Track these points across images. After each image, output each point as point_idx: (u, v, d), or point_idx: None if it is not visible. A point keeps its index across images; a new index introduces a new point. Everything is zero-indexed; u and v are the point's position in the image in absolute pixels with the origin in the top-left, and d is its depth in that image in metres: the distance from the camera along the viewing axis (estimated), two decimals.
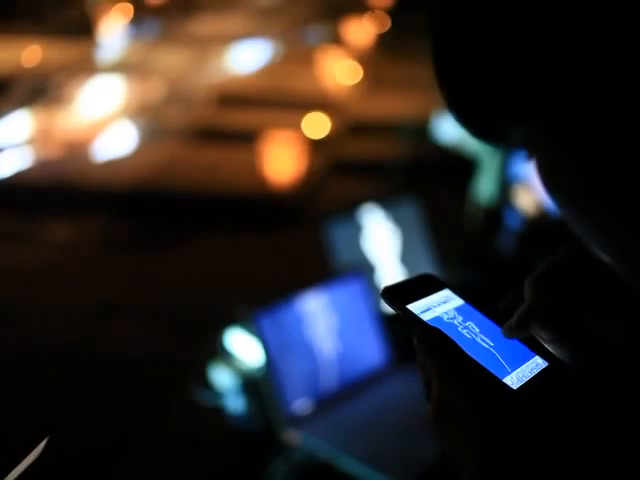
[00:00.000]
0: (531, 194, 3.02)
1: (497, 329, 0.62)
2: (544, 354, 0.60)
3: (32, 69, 8.27)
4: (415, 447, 1.85)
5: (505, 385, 0.56)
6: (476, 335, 0.61)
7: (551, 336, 0.58)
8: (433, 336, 0.58)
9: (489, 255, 3.06)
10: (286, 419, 1.90)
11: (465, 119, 0.54)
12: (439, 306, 0.63)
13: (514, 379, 0.57)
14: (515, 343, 0.61)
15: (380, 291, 0.62)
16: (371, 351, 2.11)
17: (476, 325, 0.62)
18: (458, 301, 0.64)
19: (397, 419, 1.95)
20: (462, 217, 3.66)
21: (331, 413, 1.96)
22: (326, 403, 1.98)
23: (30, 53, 8.72)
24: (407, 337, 2.06)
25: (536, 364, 0.59)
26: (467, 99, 0.52)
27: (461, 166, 3.89)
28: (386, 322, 2.15)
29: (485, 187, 3.38)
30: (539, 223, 2.97)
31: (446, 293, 0.64)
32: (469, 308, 0.64)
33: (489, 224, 3.22)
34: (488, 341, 0.60)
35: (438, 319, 0.61)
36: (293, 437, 1.89)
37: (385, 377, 2.09)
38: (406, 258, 2.46)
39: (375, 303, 2.18)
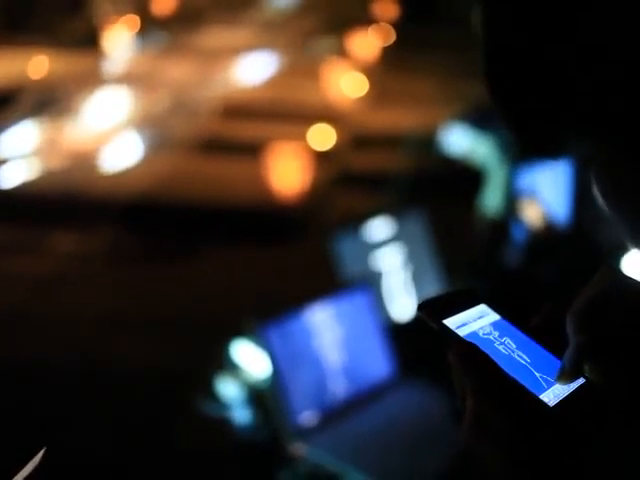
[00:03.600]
0: (538, 207, 3.02)
1: (534, 345, 0.61)
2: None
3: (39, 80, 8.30)
4: (421, 460, 1.85)
5: (541, 402, 0.56)
6: (512, 351, 0.60)
7: (604, 373, 0.57)
8: (469, 352, 0.57)
9: (495, 268, 3.06)
10: (292, 431, 1.90)
11: (525, 133, 0.55)
12: (475, 321, 0.62)
13: (551, 396, 0.57)
14: (552, 360, 0.60)
15: (417, 305, 0.62)
16: (377, 364, 2.11)
17: (513, 341, 0.61)
18: (494, 316, 0.63)
19: (403, 432, 1.95)
20: (468, 229, 3.66)
21: (337, 425, 1.95)
22: (332, 415, 1.97)
23: (37, 64, 8.75)
24: (413, 349, 2.06)
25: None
26: (530, 114, 0.53)
27: (467, 178, 3.89)
28: (392, 334, 2.15)
29: (492, 199, 3.38)
30: (545, 236, 2.97)
31: (482, 308, 0.64)
32: (506, 324, 0.63)
33: (495, 237, 3.22)
34: (525, 357, 0.60)
35: (474, 334, 0.61)
36: (299, 449, 1.88)
37: (391, 390, 2.09)
38: (412, 271, 2.46)
39: (381, 315, 2.18)
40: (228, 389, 2.07)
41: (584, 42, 0.47)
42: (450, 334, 0.60)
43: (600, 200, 0.53)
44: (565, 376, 0.58)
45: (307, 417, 1.94)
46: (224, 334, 2.15)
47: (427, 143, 4.91)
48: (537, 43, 0.50)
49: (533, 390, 0.56)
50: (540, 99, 0.50)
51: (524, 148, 0.56)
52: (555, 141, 0.53)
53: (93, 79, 8.60)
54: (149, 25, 10.98)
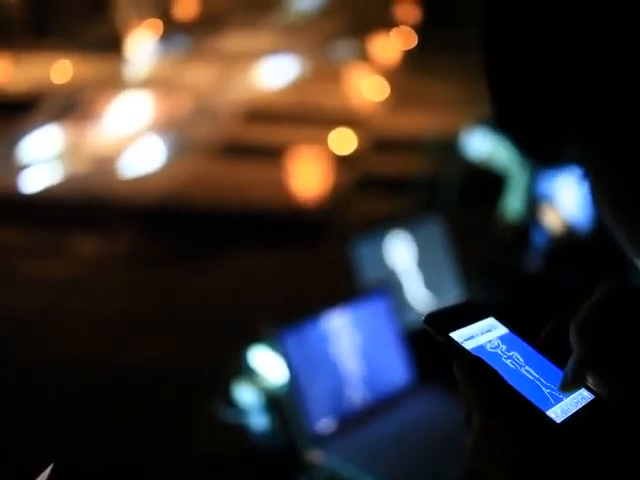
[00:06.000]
0: (558, 212, 3.00)
1: (543, 360, 0.60)
2: (590, 387, 0.58)
3: (62, 85, 8.37)
4: (439, 468, 1.83)
5: (548, 418, 0.55)
6: (520, 366, 0.59)
7: (605, 382, 0.57)
8: (475, 366, 0.56)
9: (515, 274, 3.04)
10: (309, 438, 1.89)
11: (520, 137, 0.54)
12: (483, 335, 0.61)
13: (558, 412, 0.55)
14: (561, 375, 0.59)
15: (423, 317, 0.61)
16: (395, 370, 2.10)
17: (520, 355, 0.60)
18: (502, 330, 0.62)
19: (421, 440, 1.94)
20: (488, 235, 3.63)
21: (354, 432, 1.95)
22: (349, 422, 1.97)
23: (60, 69, 8.82)
24: (431, 356, 2.05)
25: (582, 397, 0.57)
26: (524, 118, 0.52)
27: (488, 183, 3.87)
28: (410, 341, 2.13)
29: (513, 204, 3.36)
30: (566, 242, 2.95)
31: (490, 321, 0.63)
32: (514, 337, 0.62)
33: (516, 242, 3.20)
34: (533, 372, 0.59)
35: (481, 348, 0.59)
36: (316, 456, 1.88)
37: (409, 396, 2.08)
38: (431, 276, 2.45)
39: (399, 321, 2.17)
40: (245, 395, 2.06)
41: (600, 31, 0.46)
42: (456, 347, 0.59)
43: (602, 211, 0.52)
44: (567, 386, 0.57)
45: (324, 424, 1.93)
46: (241, 339, 2.15)
47: (448, 147, 4.89)
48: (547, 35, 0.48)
49: (540, 406, 0.55)
50: (552, 95, 0.49)
51: (527, 153, 0.56)
52: (560, 147, 0.52)
53: (115, 83, 8.66)
54: (171, 29, 11.03)
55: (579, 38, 0.46)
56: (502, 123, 0.54)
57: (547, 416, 0.55)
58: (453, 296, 2.43)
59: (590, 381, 0.57)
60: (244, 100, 8.07)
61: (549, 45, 0.48)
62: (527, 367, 0.59)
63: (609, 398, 0.56)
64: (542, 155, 0.55)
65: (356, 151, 6.68)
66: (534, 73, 0.49)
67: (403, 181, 5.59)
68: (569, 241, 2.94)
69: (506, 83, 0.52)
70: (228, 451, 2.35)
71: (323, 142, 6.80)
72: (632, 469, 0.51)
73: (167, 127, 7.13)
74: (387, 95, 8.44)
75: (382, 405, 2.03)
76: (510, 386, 0.55)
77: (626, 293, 0.57)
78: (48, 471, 0.70)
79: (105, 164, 6.20)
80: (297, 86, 8.88)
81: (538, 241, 3.03)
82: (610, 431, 0.53)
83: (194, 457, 2.70)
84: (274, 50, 10.22)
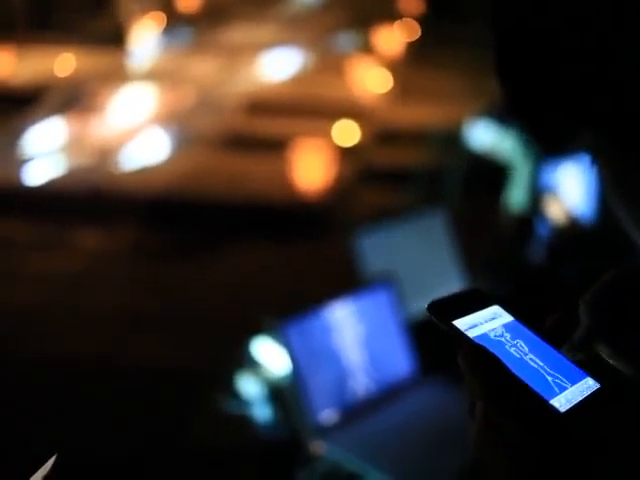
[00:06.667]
0: (562, 204, 2.99)
1: (548, 348, 0.59)
2: (597, 375, 0.57)
3: (65, 78, 8.37)
4: (441, 459, 1.83)
5: (552, 407, 0.54)
6: (525, 354, 0.58)
7: (613, 351, 0.57)
8: (478, 355, 0.56)
9: (519, 265, 3.04)
10: (312, 429, 1.90)
11: (530, 130, 0.54)
12: (487, 323, 0.60)
13: (562, 401, 0.55)
14: (566, 363, 0.58)
15: (426, 305, 0.60)
16: (398, 361, 2.10)
17: (525, 344, 0.59)
18: (507, 318, 0.62)
19: (423, 431, 1.94)
20: (492, 226, 3.63)
21: (357, 424, 1.95)
22: (352, 414, 1.97)
23: (63, 62, 8.82)
24: (434, 348, 2.06)
25: (587, 386, 0.57)
26: (533, 113, 0.52)
27: (491, 174, 3.87)
28: (413, 332, 2.14)
29: (516, 195, 3.36)
30: (569, 233, 2.95)
31: (495, 309, 0.62)
32: (519, 326, 0.61)
33: (520, 233, 3.20)
34: (537, 361, 0.58)
35: (485, 336, 0.59)
36: (319, 447, 1.88)
37: (412, 388, 2.08)
38: (434, 268, 2.45)
39: (402, 313, 2.17)
40: (248, 387, 2.07)
41: (605, 32, 0.46)
42: (459, 335, 0.58)
43: (609, 194, 0.52)
44: (571, 349, 0.58)
45: (327, 415, 1.93)
46: (245, 331, 2.15)
47: (451, 139, 4.88)
48: (553, 30, 0.48)
49: (544, 394, 0.55)
50: (554, 92, 0.50)
51: (537, 143, 0.56)
52: (569, 137, 0.52)
53: (119, 76, 8.65)
54: (175, 22, 11.02)
55: (579, 38, 0.47)
56: (513, 116, 0.54)
57: (550, 404, 0.54)
58: (456, 288, 2.43)
59: (602, 352, 0.57)
60: (247, 92, 8.06)
61: (549, 45, 0.48)
62: (531, 355, 0.58)
63: (621, 368, 0.56)
64: (552, 145, 0.56)
65: (359, 143, 6.67)
66: (535, 73, 0.50)
67: (406, 173, 5.58)
68: (573, 232, 2.94)
69: (512, 81, 0.52)
70: (231, 443, 2.36)
71: (326, 134, 6.80)
72: (634, 461, 0.50)
73: (170, 120, 7.13)
74: (390, 87, 8.43)
75: (385, 396, 2.04)
76: (513, 374, 0.55)
77: (634, 275, 0.57)
78: (51, 462, 0.70)
79: (108, 157, 6.20)
80: (300, 78, 8.87)
81: (542, 232, 3.03)
82: (613, 421, 0.53)
83: (197, 449, 2.71)
84: (277, 42, 10.21)
